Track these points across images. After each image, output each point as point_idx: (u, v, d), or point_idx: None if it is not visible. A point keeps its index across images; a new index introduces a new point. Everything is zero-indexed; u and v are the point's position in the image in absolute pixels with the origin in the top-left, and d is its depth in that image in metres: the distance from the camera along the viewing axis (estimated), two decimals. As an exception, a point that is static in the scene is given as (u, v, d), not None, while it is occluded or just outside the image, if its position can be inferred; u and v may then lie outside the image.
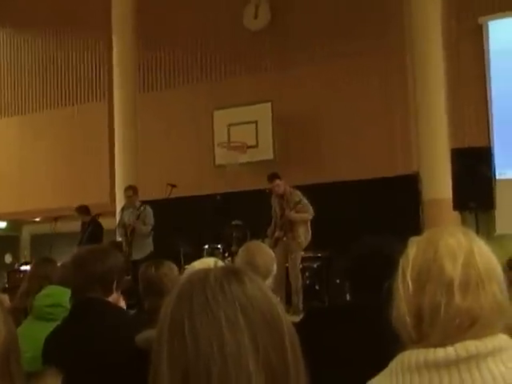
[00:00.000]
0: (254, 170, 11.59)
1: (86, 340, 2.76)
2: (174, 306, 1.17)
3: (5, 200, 14.13)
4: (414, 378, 1.38)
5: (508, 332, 1.42)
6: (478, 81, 10.64)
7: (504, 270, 1.46)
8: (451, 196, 8.76)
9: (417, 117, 10.48)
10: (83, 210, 10.94)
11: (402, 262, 1.49)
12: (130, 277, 7.66)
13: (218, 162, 11.97)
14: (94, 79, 14.03)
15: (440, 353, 1.36)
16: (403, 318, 1.43)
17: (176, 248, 9.79)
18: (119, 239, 10.68)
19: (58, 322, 3.07)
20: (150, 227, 9.91)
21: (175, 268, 3.66)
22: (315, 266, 10.05)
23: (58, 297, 3.63)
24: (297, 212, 8.89)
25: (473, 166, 8.39)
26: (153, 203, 10.32)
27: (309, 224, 8.96)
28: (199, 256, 7.49)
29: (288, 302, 8.49)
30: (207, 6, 12.60)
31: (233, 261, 8.82)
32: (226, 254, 9.85)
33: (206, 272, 1.21)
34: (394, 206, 10.35)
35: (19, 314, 3.93)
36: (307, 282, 9.66)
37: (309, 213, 8.94)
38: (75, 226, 11.61)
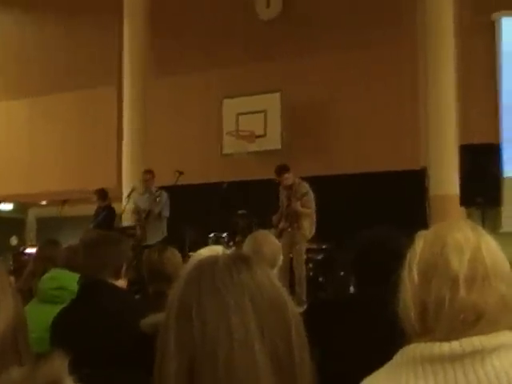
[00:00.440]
0: (261, 159, 11.59)
1: (93, 322, 2.78)
2: (182, 290, 1.19)
3: (13, 182, 14.18)
4: (418, 371, 1.38)
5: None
6: (488, 77, 10.59)
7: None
8: (458, 192, 8.75)
9: (426, 112, 10.44)
10: (102, 194, 10.98)
11: (409, 255, 1.49)
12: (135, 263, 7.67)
13: (225, 150, 11.98)
14: (105, 63, 14.01)
15: (445, 347, 1.36)
16: (408, 311, 1.43)
17: (182, 235, 9.81)
18: (126, 224, 10.72)
19: (64, 305, 3.09)
20: (167, 211, 9.95)
21: (178, 254, 3.68)
22: (319, 257, 10.05)
23: (63, 280, 3.65)
24: (302, 206, 8.87)
25: (481, 162, 8.39)
26: (160, 189, 10.32)
27: (314, 217, 8.95)
28: (205, 244, 7.49)
29: (291, 292, 8.48)
30: (220, -6, 12.59)
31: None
32: (231, 244, 9.85)
33: (215, 258, 1.22)
34: (401, 201, 10.33)
35: (24, 295, 3.95)
36: (311, 273, 9.66)
37: (312, 208, 8.91)
38: (81, 209, 11.65)
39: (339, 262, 9.74)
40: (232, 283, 1.16)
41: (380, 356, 1.50)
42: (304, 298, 8.57)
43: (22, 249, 12.70)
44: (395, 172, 10.68)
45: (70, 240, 6.11)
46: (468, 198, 8.59)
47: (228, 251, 3.54)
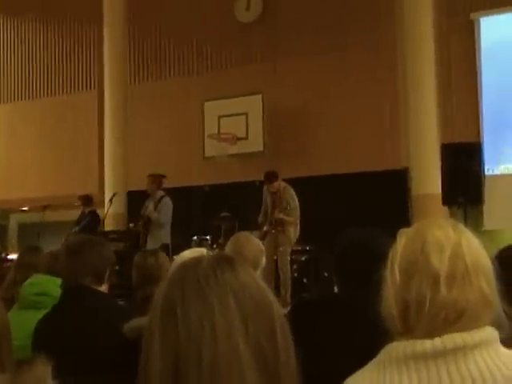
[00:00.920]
0: (243, 161, 11.59)
1: (76, 328, 2.76)
2: (166, 290, 1.19)
3: (-7, 188, 14.07)
4: (401, 369, 1.38)
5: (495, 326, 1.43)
6: (468, 77, 10.66)
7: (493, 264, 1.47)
8: (440, 191, 8.79)
9: (406, 111, 10.49)
10: (87, 200, 10.93)
11: (390, 253, 1.49)
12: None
13: (207, 153, 11.96)
14: (85, 69, 13.96)
15: (427, 344, 1.36)
16: (390, 309, 1.43)
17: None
18: (109, 229, 10.66)
19: (47, 310, 3.06)
20: (165, 218, 9.64)
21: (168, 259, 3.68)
22: (303, 259, 10.06)
23: (44, 285, 3.61)
24: (286, 214, 8.86)
25: (462, 161, 8.43)
26: (141, 193, 10.28)
27: (298, 224, 8.94)
28: (188, 247, 7.48)
29: (276, 294, 8.47)
30: (199, -3, 12.58)
31: (221, 252, 8.78)
32: (214, 246, 9.84)
33: (198, 259, 1.23)
34: (383, 201, 10.38)
35: (6, 303, 3.91)
36: (295, 274, 9.67)
37: (295, 217, 8.89)
38: (63, 215, 11.58)
39: (323, 263, 9.76)
40: (216, 283, 1.16)
41: (363, 355, 1.50)
42: (289, 299, 8.57)
43: (3, 255, 12.59)
44: (377, 172, 10.72)
45: (52, 246, 6.06)
46: (450, 196, 8.63)
47: (211, 253, 3.53)
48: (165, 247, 8.72)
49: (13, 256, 11.14)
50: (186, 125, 12.44)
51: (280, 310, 1.21)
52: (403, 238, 1.50)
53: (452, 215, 9.55)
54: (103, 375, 2.45)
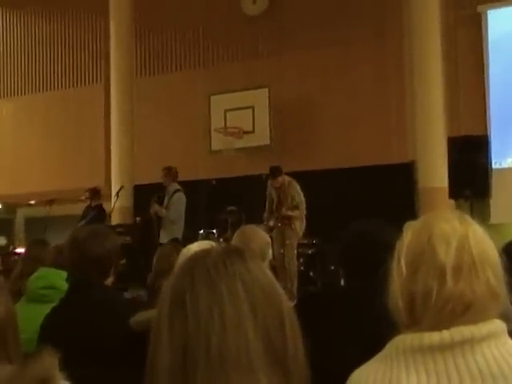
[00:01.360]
0: (249, 155, 11.59)
1: (83, 321, 2.76)
2: (176, 280, 1.19)
3: (0, 182, 14.09)
4: (408, 362, 1.38)
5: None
6: (475, 69, 10.62)
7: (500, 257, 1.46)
8: (447, 185, 8.76)
9: (413, 105, 10.46)
10: (95, 192, 10.83)
11: (397, 246, 1.49)
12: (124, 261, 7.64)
13: (214, 147, 11.97)
14: (91, 62, 13.96)
15: (435, 337, 1.36)
16: (396, 302, 1.43)
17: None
18: (115, 223, 10.67)
19: (54, 304, 3.07)
20: (175, 215, 9.52)
21: None
22: (310, 252, 10.07)
23: (51, 279, 3.61)
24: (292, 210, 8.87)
25: (469, 154, 8.39)
26: (148, 187, 10.30)
27: (304, 219, 8.94)
28: (194, 240, 7.49)
29: (283, 287, 8.48)
30: (205, -9, 12.56)
31: (227, 246, 8.77)
32: (221, 240, 9.85)
33: (208, 250, 1.23)
34: (390, 194, 10.36)
35: (13, 296, 3.92)
36: (301, 268, 9.68)
37: (301, 211, 8.88)
38: (70, 209, 11.60)
39: (329, 257, 9.76)
40: (225, 273, 1.17)
41: (370, 347, 1.50)
42: (295, 292, 8.57)
43: (11, 249, 12.65)
44: (384, 166, 10.70)
45: (58, 239, 6.08)
46: (456, 190, 8.60)
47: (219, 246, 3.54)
48: (175, 241, 8.71)
49: (20, 250, 11.20)
50: (193, 118, 12.44)
51: (288, 304, 1.21)
52: (410, 230, 1.49)
53: (458, 208, 9.53)
54: (110, 368, 2.46)
